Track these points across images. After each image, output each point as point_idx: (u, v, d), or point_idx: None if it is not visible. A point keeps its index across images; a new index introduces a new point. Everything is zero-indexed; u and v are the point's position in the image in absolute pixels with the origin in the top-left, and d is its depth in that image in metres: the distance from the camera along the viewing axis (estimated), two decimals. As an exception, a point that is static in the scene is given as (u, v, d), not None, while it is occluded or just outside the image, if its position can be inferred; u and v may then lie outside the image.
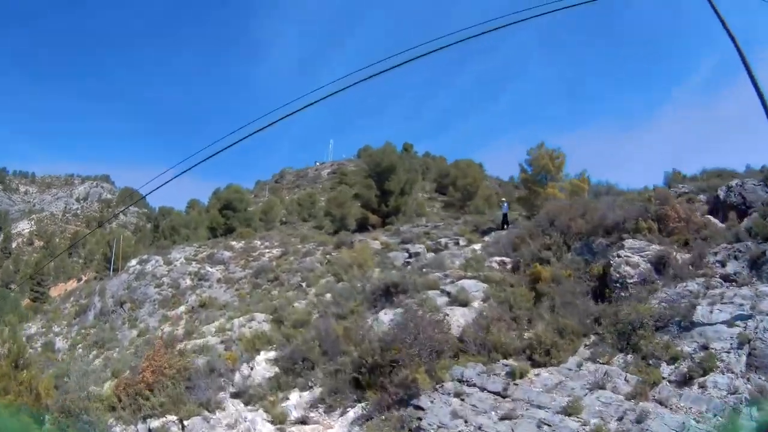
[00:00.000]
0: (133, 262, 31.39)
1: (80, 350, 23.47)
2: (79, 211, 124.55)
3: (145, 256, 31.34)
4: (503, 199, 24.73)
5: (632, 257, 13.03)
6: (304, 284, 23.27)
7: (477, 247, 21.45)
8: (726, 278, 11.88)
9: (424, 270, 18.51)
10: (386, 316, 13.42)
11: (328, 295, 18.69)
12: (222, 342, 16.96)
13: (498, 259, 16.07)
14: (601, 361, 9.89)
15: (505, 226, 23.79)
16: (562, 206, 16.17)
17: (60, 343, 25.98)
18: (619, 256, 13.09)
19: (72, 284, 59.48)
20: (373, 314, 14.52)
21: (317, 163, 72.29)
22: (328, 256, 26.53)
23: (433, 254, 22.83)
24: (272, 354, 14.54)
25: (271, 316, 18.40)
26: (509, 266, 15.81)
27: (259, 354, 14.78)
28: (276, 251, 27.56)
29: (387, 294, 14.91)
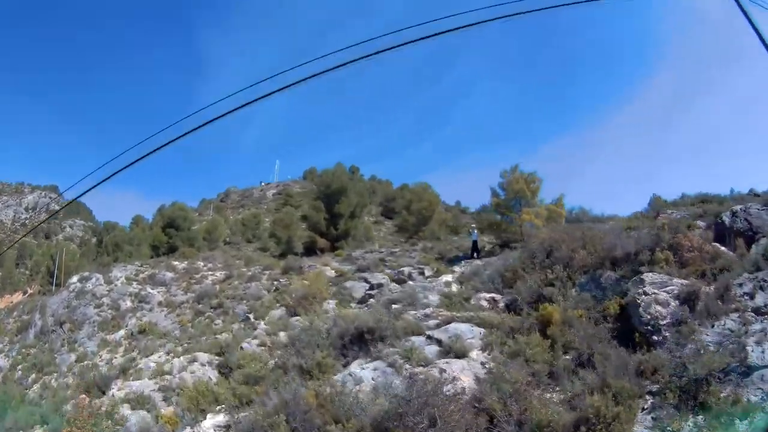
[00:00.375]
0: (74, 279, 28.68)
1: (19, 372, 22.19)
2: (27, 221, 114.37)
3: (86, 274, 28.82)
4: (473, 225, 22.54)
5: (659, 294, 10.95)
6: (251, 316, 19.80)
7: (449, 278, 18.93)
8: (758, 311, 10.43)
9: (394, 306, 15.65)
10: (365, 372, 10.31)
11: (283, 335, 15.30)
12: (160, 389, 15.36)
13: (487, 295, 13.51)
14: (670, 430, 7.50)
15: (475, 255, 21.52)
16: (559, 235, 14.00)
17: (2, 361, 24.48)
18: (645, 294, 10.96)
19: (18, 296, 54.54)
20: (343, 365, 11.38)
21: (262, 183, 71.60)
22: (276, 283, 23.23)
23: (397, 285, 20.06)
24: (221, 418, 11.03)
25: (216, 358, 16.10)
26: (502, 304, 13.27)
27: (204, 418, 11.33)
28: (219, 274, 25.54)
29: (360, 340, 11.81)
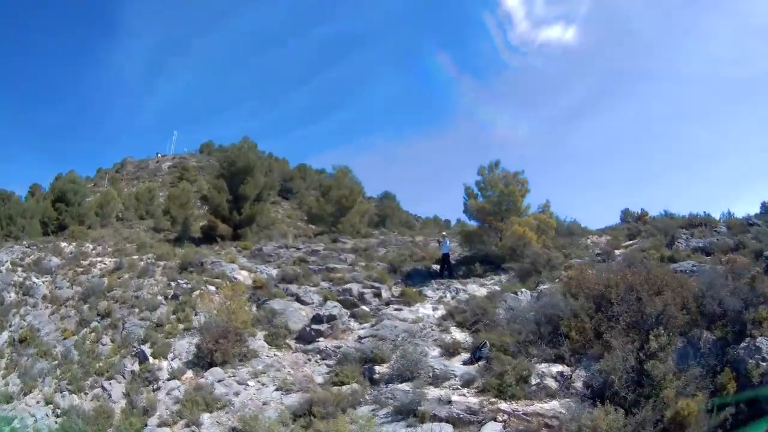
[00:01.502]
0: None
1: None
2: None
3: (-38, 255, 21.92)
4: (443, 233, 17.74)
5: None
6: (146, 347, 13.22)
7: (428, 310, 14.06)
8: None
9: (377, 368, 10.40)
10: None
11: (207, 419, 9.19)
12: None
13: (554, 369, 8.78)
14: None
15: (446, 272, 16.92)
16: (635, 275, 9.77)
17: None
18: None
19: None
20: None
21: (158, 155, 66.99)
22: (173, 285, 16.85)
23: (346, 312, 14.61)
24: None
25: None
26: (578, 384, 8.60)
27: None
28: (109, 261, 20.45)
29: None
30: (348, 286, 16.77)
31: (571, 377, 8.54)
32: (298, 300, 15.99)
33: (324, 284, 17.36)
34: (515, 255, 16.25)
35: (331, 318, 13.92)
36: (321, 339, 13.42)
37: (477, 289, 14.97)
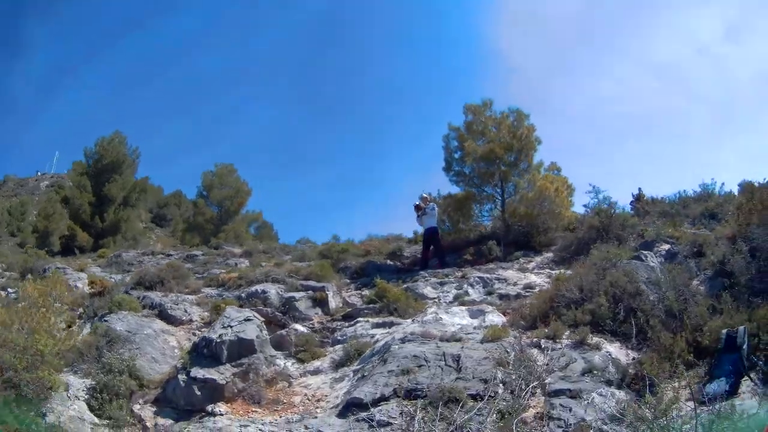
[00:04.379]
0: None
1: None
2: None
3: None
4: (425, 195, 10.53)
5: None
6: None
7: (463, 320, 7.00)
8: None
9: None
10: None
11: None
12: None
13: None
14: None
15: (438, 260, 10.05)
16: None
17: None
18: None
19: None
20: None
21: (38, 174, 66.42)
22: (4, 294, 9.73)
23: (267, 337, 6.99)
24: None
25: None
26: None
27: None
28: None
29: None
30: (257, 288, 9.05)
31: None
32: (163, 316, 8.14)
33: (210, 291, 9.60)
34: (533, 228, 10.25)
35: (245, 350, 6.20)
36: (219, 409, 5.60)
37: (519, 276, 8.44)
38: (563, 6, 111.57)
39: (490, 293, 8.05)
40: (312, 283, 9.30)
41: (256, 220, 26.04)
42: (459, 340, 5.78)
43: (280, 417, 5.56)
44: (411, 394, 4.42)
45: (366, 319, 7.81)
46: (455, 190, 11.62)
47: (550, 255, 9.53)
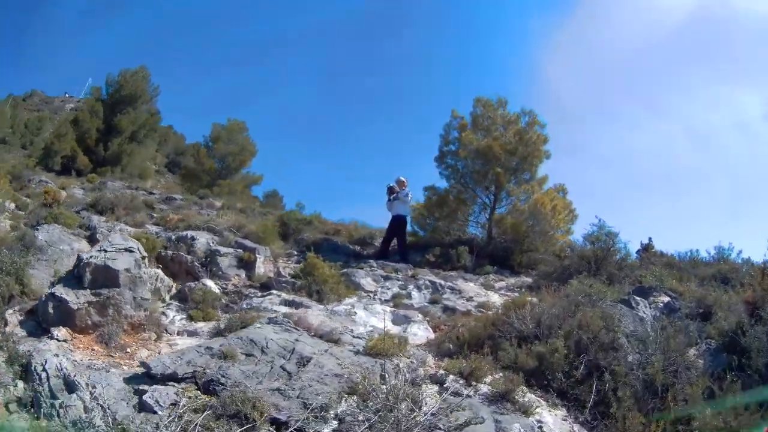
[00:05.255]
0: None
1: None
2: None
3: None
4: (402, 179, 9.17)
5: None
6: None
7: (373, 319, 5.67)
8: None
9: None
10: None
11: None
12: None
13: None
14: None
15: (398, 255, 8.69)
16: None
17: None
18: None
19: None
20: None
21: (66, 95, 63.96)
22: None
23: (166, 285, 5.79)
24: None
25: None
26: None
27: None
28: None
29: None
30: (188, 233, 7.96)
31: None
32: (92, 239, 7.77)
33: (151, 228, 9.12)
34: (517, 245, 8.74)
35: (109, 281, 5.07)
36: (58, 333, 4.70)
37: (480, 292, 6.96)
38: (616, 50, 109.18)
39: (435, 302, 6.61)
40: (247, 242, 8.18)
41: (257, 182, 24.72)
42: (336, 341, 4.39)
43: (104, 363, 4.47)
44: (209, 386, 3.12)
45: (279, 293, 6.55)
46: (443, 185, 10.15)
47: (527, 279, 7.98)
